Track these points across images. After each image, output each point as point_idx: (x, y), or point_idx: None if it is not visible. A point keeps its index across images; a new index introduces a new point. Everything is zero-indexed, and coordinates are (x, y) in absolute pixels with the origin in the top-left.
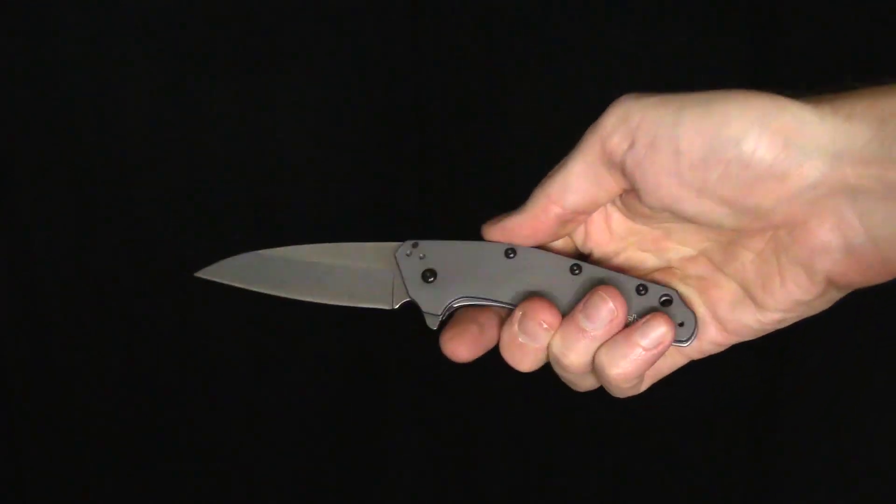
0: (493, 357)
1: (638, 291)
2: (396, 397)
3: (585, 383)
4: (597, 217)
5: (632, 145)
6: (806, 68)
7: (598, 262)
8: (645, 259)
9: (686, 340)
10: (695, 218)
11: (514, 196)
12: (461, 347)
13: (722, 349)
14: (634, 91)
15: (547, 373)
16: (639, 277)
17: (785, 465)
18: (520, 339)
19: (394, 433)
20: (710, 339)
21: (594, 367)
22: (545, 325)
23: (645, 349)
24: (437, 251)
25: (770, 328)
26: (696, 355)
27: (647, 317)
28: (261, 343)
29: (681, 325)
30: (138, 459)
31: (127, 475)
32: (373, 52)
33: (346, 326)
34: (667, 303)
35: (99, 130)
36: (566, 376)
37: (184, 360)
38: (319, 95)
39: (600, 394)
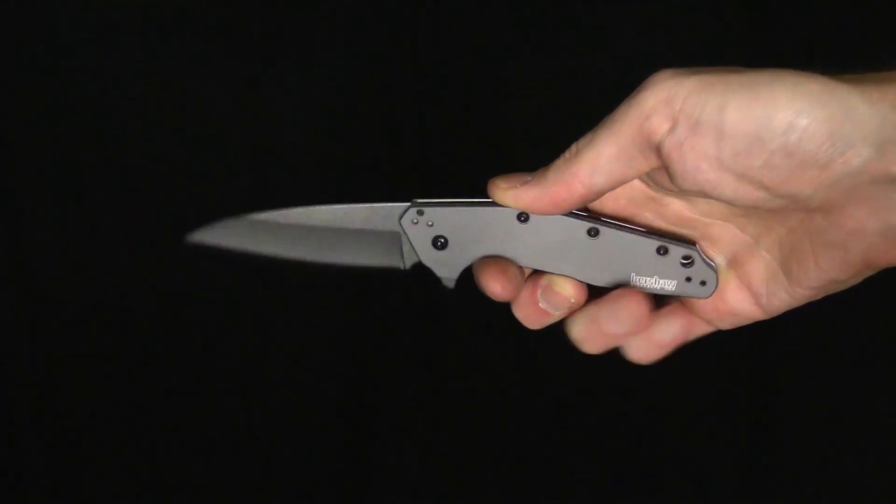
0: (494, 357)
1: (658, 252)
2: (396, 397)
3: (591, 352)
4: None
5: (673, 128)
6: (804, 51)
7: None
8: (665, 227)
9: (707, 296)
10: (731, 201)
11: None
12: (497, 284)
13: (751, 322)
14: (673, 68)
15: (548, 372)
16: (659, 235)
17: (785, 464)
18: (541, 305)
19: (393, 434)
20: (745, 314)
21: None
22: (572, 301)
23: (665, 343)
24: (444, 217)
25: (802, 301)
26: (726, 326)
27: (669, 308)
28: (260, 343)
29: (702, 283)
30: (138, 459)
31: (126, 475)
32: (372, 38)
33: (346, 326)
34: (688, 264)
35: (99, 129)
36: (578, 347)
37: (183, 359)
38: (318, 87)
39: (601, 394)
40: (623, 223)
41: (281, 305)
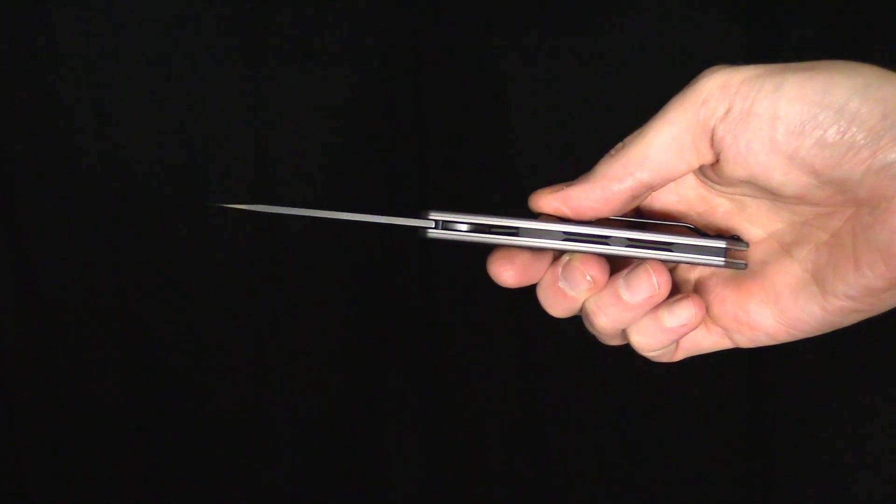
0: (493, 357)
1: (692, 229)
2: (396, 397)
3: (613, 341)
4: None
5: (728, 111)
6: (807, 56)
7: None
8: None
9: (741, 267)
10: (778, 189)
11: (516, 188)
12: (507, 271)
13: (775, 343)
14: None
15: (547, 372)
16: (694, 228)
17: (785, 465)
18: (559, 284)
19: (393, 434)
20: (766, 330)
21: (623, 332)
22: (589, 278)
23: (671, 329)
24: (468, 240)
25: (832, 321)
26: (747, 344)
27: (678, 297)
28: (260, 342)
29: (740, 242)
30: (137, 458)
31: (126, 474)
32: (372, 38)
33: (345, 324)
34: (723, 235)
35: (99, 129)
36: (594, 332)
37: (183, 359)
38: (318, 87)
39: (601, 394)
40: (659, 218)
41: (281, 305)
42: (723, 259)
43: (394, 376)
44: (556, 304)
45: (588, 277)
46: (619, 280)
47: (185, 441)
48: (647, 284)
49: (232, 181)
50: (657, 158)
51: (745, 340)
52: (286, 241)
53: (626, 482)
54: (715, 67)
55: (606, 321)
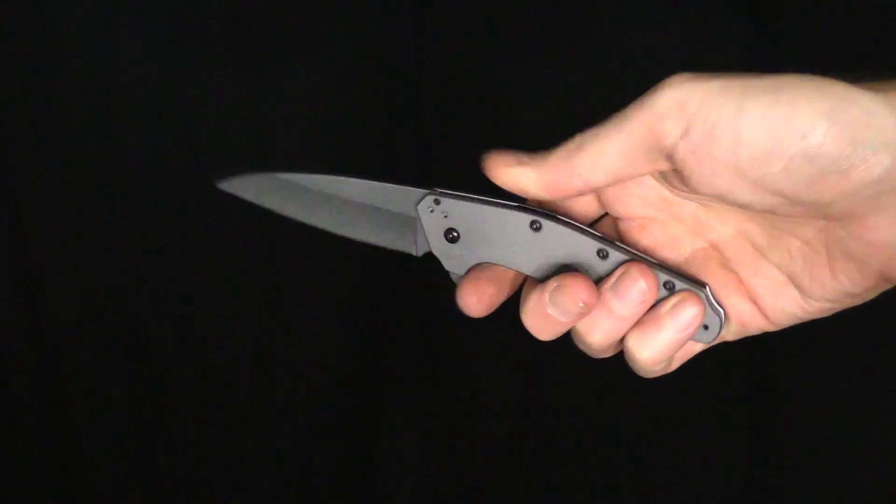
0: (493, 356)
1: (665, 287)
2: (396, 397)
3: (604, 354)
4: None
5: (686, 132)
6: (807, 55)
7: (625, 235)
8: (679, 235)
9: (707, 342)
10: (747, 205)
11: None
12: (477, 304)
13: (760, 332)
14: (689, 72)
15: (547, 370)
16: (668, 270)
17: (785, 465)
18: (549, 311)
19: (394, 434)
20: (754, 324)
21: (623, 350)
22: (581, 304)
23: (676, 332)
24: (459, 210)
25: (816, 316)
26: (732, 338)
27: (678, 297)
28: (261, 342)
29: (705, 328)
30: (137, 458)
31: (126, 473)
32: (372, 36)
33: (345, 324)
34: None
35: (99, 129)
36: (585, 349)
37: (184, 357)
38: (318, 86)
39: (601, 394)
40: (636, 251)
41: (282, 304)
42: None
43: (394, 376)
44: (545, 329)
45: (580, 304)
46: (607, 292)
47: (184, 441)
48: (637, 289)
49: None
50: (608, 164)
51: (731, 335)
52: (287, 240)
53: (627, 482)
54: (675, 79)
55: (601, 336)
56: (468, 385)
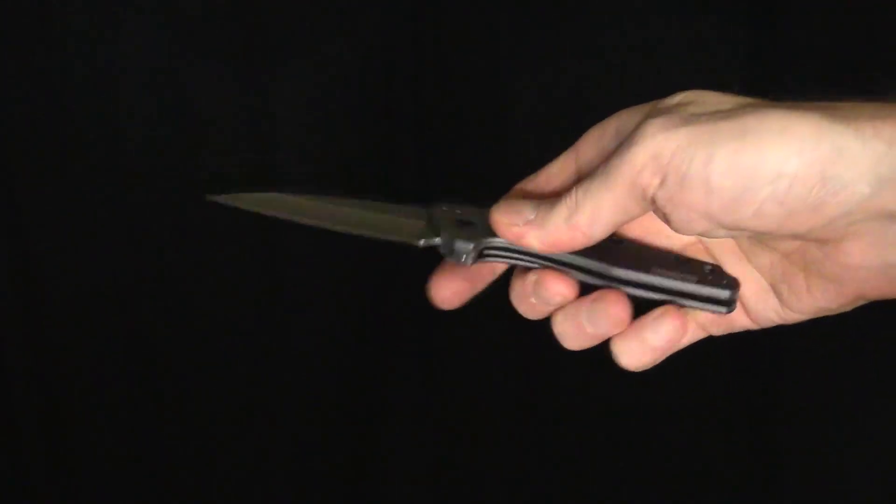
0: (492, 356)
1: (678, 259)
2: (396, 397)
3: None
4: None
5: (663, 182)
6: (806, 55)
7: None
8: (671, 233)
9: (727, 310)
10: (726, 238)
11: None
12: (449, 295)
13: (743, 330)
14: (661, 118)
15: (546, 370)
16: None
17: (785, 465)
18: (532, 300)
19: (393, 434)
20: (738, 322)
21: (611, 353)
22: (559, 298)
23: (657, 347)
24: (473, 211)
25: (794, 322)
26: (717, 332)
27: (660, 310)
28: (260, 341)
29: (723, 285)
30: (137, 457)
31: (126, 472)
32: (373, 37)
33: (344, 323)
34: (710, 272)
35: (99, 129)
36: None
37: (182, 358)
38: (318, 86)
39: (601, 393)
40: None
41: (281, 304)
42: (725, 309)
43: (393, 376)
44: (530, 312)
45: (559, 298)
46: (582, 311)
47: (183, 441)
48: (607, 320)
49: (232, 181)
50: (605, 217)
51: (720, 330)
52: (287, 239)
53: (627, 482)
54: (648, 129)
55: (574, 344)
56: (468, 385)
